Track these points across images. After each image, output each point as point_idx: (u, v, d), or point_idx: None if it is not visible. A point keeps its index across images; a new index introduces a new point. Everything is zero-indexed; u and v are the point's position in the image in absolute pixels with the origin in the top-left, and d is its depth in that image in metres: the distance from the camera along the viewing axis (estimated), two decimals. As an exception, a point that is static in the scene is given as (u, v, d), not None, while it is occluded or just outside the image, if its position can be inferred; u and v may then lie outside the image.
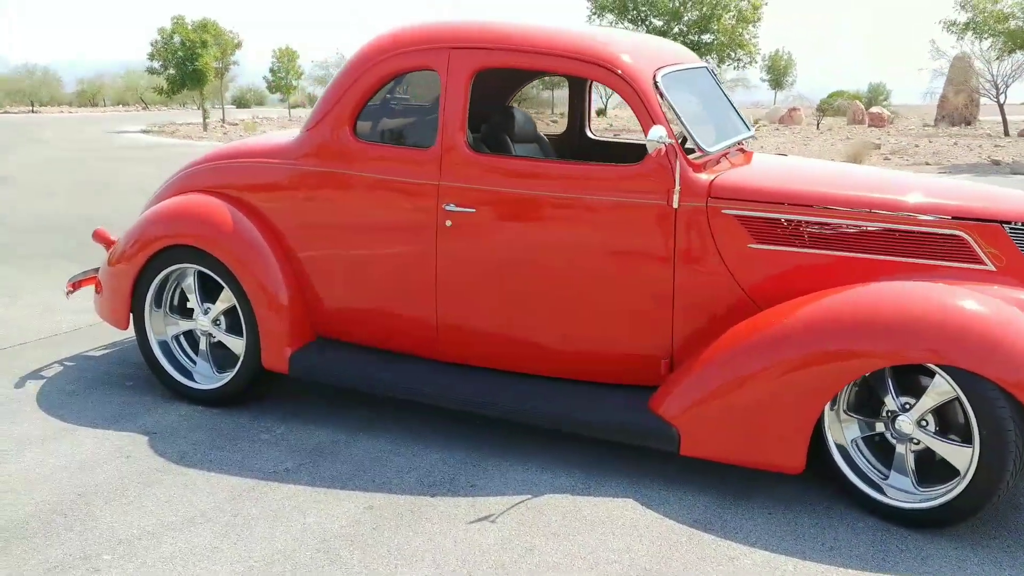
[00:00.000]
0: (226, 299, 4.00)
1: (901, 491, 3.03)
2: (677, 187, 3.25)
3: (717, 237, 3.31)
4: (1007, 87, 24.89)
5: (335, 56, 50.92)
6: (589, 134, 4.82)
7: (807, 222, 3.24)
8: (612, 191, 3.37)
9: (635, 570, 2.77)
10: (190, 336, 4.23)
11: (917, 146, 20.32)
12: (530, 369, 3.65)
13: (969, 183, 3.56)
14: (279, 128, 29.08)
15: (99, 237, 4.62)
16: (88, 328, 5.32)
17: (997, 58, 19.43)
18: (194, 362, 4.18)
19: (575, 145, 4.75)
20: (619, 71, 3.35)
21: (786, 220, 3.26)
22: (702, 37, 16.41)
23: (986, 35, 16.30)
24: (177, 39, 27.11)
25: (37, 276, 6.71)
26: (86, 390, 4.29)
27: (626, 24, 16.23)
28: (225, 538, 2.95)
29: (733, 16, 16.46)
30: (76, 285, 4.67)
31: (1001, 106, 25.50)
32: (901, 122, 32.26)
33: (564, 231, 3.46)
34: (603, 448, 3.59)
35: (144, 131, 27.16)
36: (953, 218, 3.14)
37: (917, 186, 3.38)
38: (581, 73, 3.46)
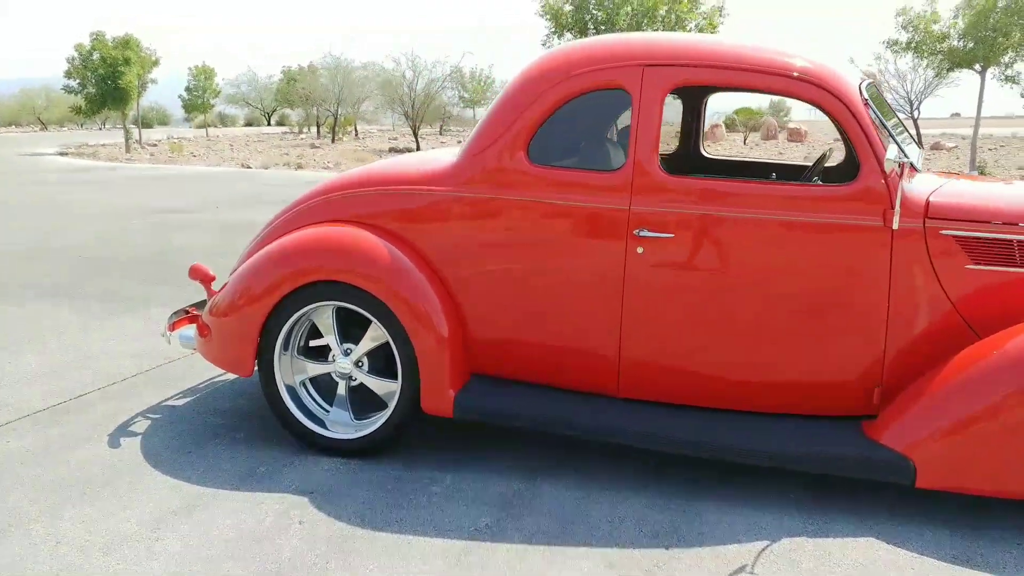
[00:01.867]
0: (373, 338, 3.67)
1: None
2: (898, 208, 3.13)
3: (935, 259, 3.19)
4: (920, 103, 26.08)
5: (247, 73, 49.73)
6: (704, 153, 4.67)
7: None
8: (822, 211, 3.22)
9: (938, 618, 2.61)
10: (314, 382, 3.88)
11: (854, 155, 20.94)
12: (720, 403, 3.45)
13: None
14: (205, 148, 28.02)
15: (197, 273, 4.19)
16: (147, 373, 4.87)
17: (936, 75, 20.42)
18: (327, 410, 3.83)
19: (691, 164, 4.59)
20: (834, 90, 3.21)
21: (1007, 240, 3.17)
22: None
23: (925, 54, 17.11)
24: (97, 56, 25.79)
25: (56, 315, 6.12)
26: (197, 447, 3.88)
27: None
28: (479, 612, 2.65)
29: (693, 32, 16.56)
30: (174, 327, 4.24)
31: (915, 121, 26.66)
32: (813, 136, 33.32)
33: (769, 254, 3.28)
34: (802, 484, 3.43)
35: (61, 153, 25.73)
36: None
37: None
38: (789, 92, 3.29)
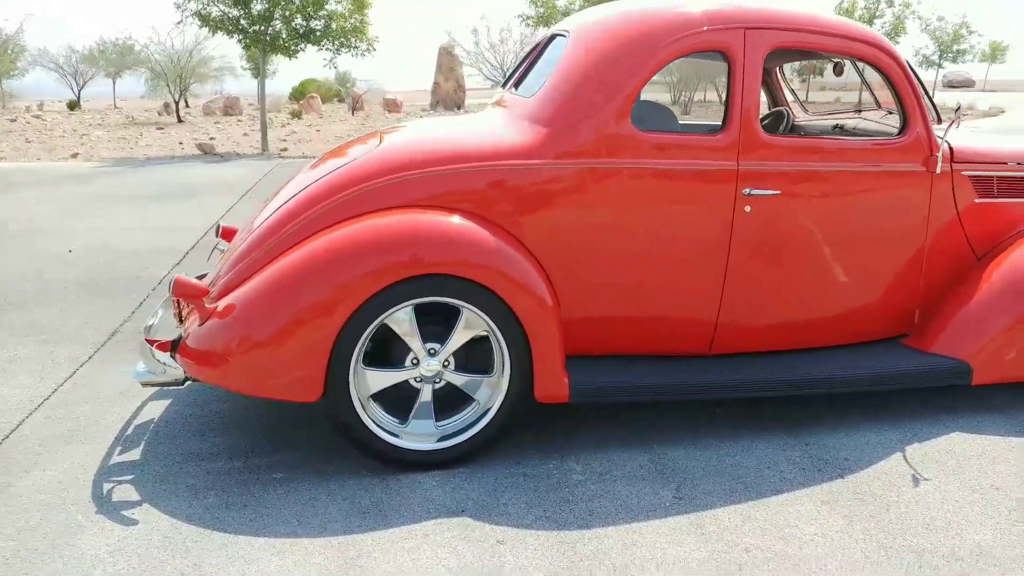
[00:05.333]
0: (464, 332, 3.31)
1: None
2: (940, 154, 3.67)
3: (957, 195, 3.83)
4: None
5: None
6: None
7: (1016, 177, 3.94)
8: (882, 161, 3.64)
9: (1081, 479, 3.22)
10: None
11: (472, 126, 22.33)
12: (798, 345, 3.76)
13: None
14: None
15: (185, 288, 3.32)
16: (42, 425, 3.76)
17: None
18: (402, 422, 3.36)
19: None
20: (895, 56, 3.64)
21: (991, 176, 3.92)
22: (311, 24, 15.59)
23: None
24: None
25: None
26: (249, 499, 3.16)
27: (223, 8, 14.60)
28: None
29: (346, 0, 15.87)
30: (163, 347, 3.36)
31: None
32: (406, 107, 34.68)
33: (849, 202, 3.63)
34: (866, 401, 3.90)
35: None
36: None
37: None
38: (864, 56, 3.59)
